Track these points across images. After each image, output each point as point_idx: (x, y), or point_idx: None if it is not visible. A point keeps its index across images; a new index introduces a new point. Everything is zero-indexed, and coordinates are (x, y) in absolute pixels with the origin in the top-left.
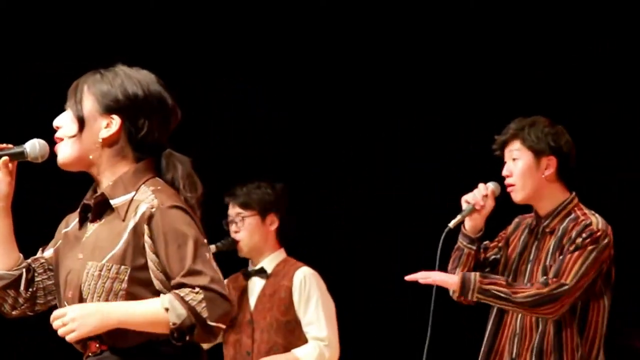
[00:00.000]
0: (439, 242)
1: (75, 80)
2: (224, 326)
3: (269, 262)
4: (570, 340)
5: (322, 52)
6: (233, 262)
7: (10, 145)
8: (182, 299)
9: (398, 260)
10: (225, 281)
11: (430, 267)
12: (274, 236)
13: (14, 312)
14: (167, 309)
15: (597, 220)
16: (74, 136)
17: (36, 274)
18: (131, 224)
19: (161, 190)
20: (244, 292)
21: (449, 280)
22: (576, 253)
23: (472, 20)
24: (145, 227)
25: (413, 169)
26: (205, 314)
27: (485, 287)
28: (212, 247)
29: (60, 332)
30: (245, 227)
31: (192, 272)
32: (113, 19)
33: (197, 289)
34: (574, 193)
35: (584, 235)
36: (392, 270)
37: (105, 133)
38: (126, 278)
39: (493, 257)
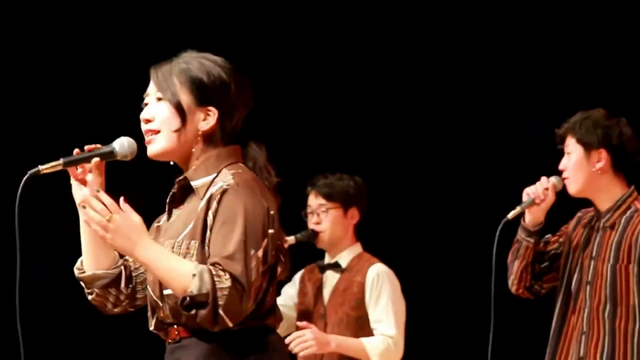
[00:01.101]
0: (493, 234)
1: (154, 69)
2: (230, 323)
3: (345, 256)
4: None
5: (321, 51)
6: (310, 254)
7: (99, 146)
8: (212, 277)
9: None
10: (302, 270)
11: (480, 259)
12: (353, 230)
13: (115, 310)
14: (194, 275)
15: None
16: (177, 130)
17: (133, 269)
18: (204, 200)
19: (241, 173)
20: (319, 286)
21: None
22: None
23: (475, 19)
24: (214, 203)
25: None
26: (221, 302)
27: None
28: (292, 239)
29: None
30: (328, 219)
31: (230, 257)
32: (113, 19)
33: (227, 276)
34: (632, 187)
35: None
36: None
37: (204, 126)
38: (195, 252)
39: (553, 251)
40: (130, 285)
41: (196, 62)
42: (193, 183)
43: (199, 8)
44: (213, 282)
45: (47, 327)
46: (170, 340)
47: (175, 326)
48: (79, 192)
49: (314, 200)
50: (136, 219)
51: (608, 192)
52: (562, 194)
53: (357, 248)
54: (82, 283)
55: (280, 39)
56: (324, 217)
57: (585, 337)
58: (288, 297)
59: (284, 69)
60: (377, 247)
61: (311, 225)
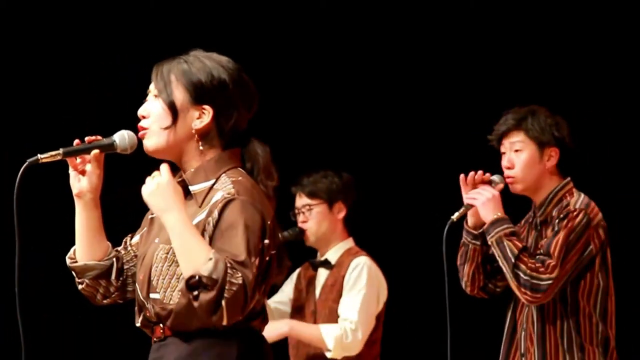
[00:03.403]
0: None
1: (155, 66)
2: (225, 320)
3: (334, 252)
4: (555, 324)
5: (316, 49)
6: (302, 253)
7: (99, 138)
8: (226, 268)
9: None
10: (300, 268)
11: (435, 259)
12: (342, 225)
13: (104, 301)
14: (210, 259)
15: (575, 199)
16: (167, 128)
17: (125, 262)
18: (206, 210)
19: (241, 181)
20: (310, 283)
21: (487, 212)
22: (555, 238)
23: (470, 15)
24: (216, 212)
25: (416, 161)
26: (227, 294)
27: (503, 242)
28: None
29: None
30: (313, 216)
31: (243, 263)
32: (113, 19)
33: (239, 275)
34: (568, 178)
35: (561, 216)
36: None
37: (198, 124)
38: None
39: None
40: (121, 278)
41: (196, 61)
42: (191, 188)
43: (198, 8)
44: (225, 272)
45: (47, 313)
46: (155, 339)
47: (160, 325)
48: (76, 183)
49: (299, 200)
50: (179, 189)
51: (547, 188)
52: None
53: (348, 243)
54: (73, 272)
55: (272, 39)
56: (309, 214)
57: (525, 332)
58: (285, 295)
59: (273, 69)
60: (375, 243)
61: (299, 225)
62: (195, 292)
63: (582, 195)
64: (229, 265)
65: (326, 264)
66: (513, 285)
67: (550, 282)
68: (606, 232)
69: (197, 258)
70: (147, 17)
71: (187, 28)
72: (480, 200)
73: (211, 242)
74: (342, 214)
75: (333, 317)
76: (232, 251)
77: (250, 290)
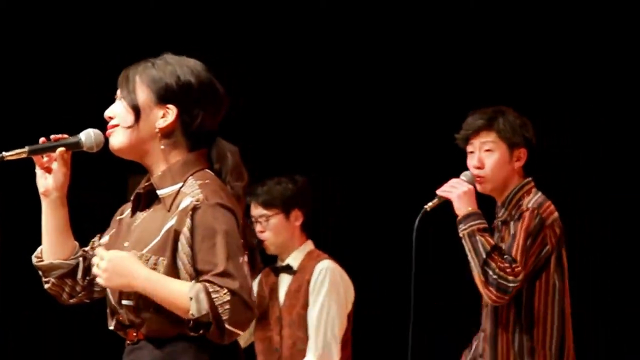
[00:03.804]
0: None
1: (123, 70)
2: (240, 332)
3: (295, 257)
4: (507, 323)
5: (307, 47)
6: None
7: (65, 136)
8: (208, 295)
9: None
10: (260, 275)
11: (405, 249)
12: (300, 230)
13: (71, 301)
14: (190, 298)
15: (529, 199)
16: (130, 127)
17: (92, 262)
18: (175, 216)
19: (208, 184)
20: (273, 289)
21: (461, 205)
22: (514, 241)
23: (461, 16)
24: (188, 220)
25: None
26: (225, 316)
27: (475, 236)
28: None
29: (93, 271)
30: (270, 227)
31: (223, 274)
32: (113, 19)
33: (225, 290)
34: (528, 179)
35: (515, 217)
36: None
37: (162, 123)
38: (162, 270)
39: None
40: (87, 278)
41: (163, 63)
42: (159, 192)
43: (198, 8)
44: (211, 300)
45: (29, 310)
46: (129, 342)
47: (133, 328)
48: (43, 181)
49: (255, 210)
50: (122, 254)
51: (511, 188)
52: None
53: (307, 246)
54: (39, 272)
55: (269, 40)
56: (266, 225)
57: (483, 333)
58: None
59: (250, 71)
60: (337, 243)
61: (257, 234)
62: (201, 332)
63: (539, 194)
64: (210, 289)
65: (288, 269)
66: (479, 281)
67: (516, 284)
68: (562, 232)
69: (181, 305)
70: (146, 17)
71: (186, 28)
72: (455, 193)
73: (193, 252)
74: (299, 221)
75: (302, 323)
76: (213, 261)
77: (245, 292)
